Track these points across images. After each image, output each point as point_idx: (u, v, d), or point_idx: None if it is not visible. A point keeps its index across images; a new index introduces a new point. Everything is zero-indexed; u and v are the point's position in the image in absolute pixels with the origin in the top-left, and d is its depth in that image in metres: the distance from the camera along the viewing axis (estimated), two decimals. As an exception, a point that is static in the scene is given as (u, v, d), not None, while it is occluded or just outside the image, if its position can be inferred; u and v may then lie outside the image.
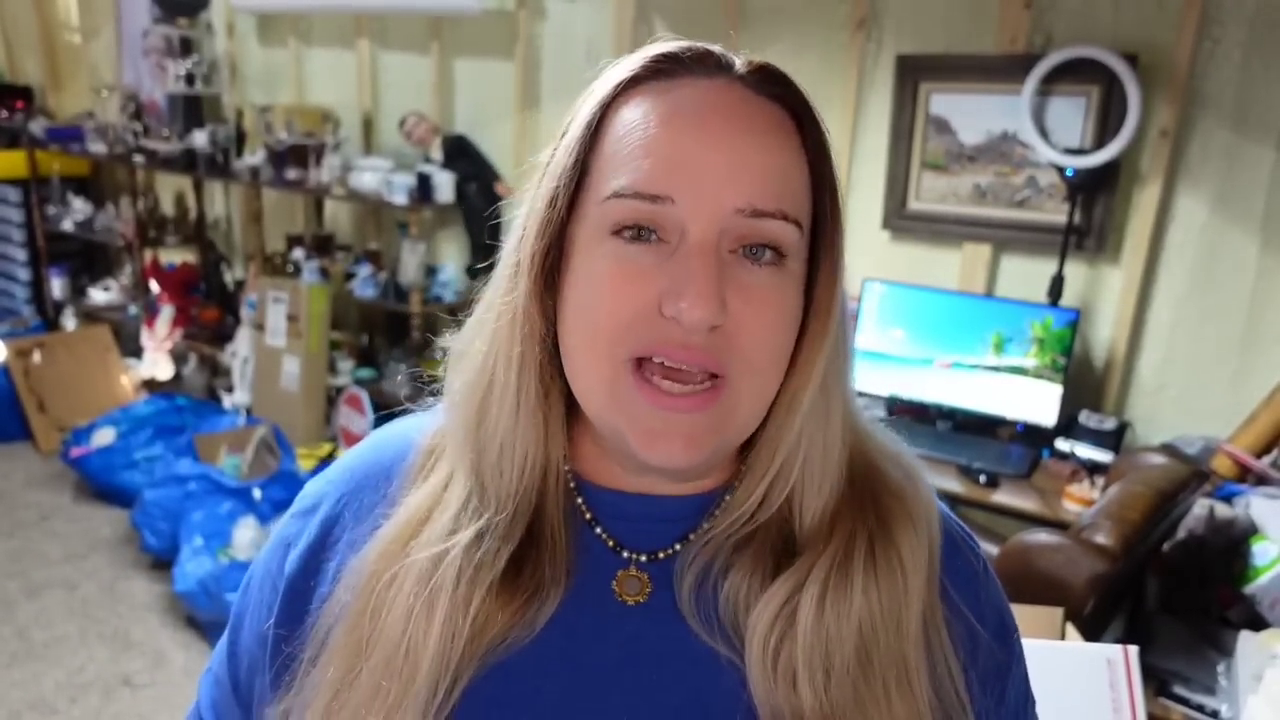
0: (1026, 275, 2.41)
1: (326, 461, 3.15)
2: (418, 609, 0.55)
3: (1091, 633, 1.36)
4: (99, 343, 4.06)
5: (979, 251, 2.47)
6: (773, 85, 0.55)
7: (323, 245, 3.67)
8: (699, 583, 0.57)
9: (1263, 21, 2.05)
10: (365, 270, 3.42)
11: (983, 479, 2.12)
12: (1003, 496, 2.09)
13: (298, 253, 3.60)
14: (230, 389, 3.70)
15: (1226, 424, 2.06)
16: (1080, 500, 2.00)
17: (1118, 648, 1.13)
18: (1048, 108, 2.28)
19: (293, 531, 0.65)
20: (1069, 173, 2.21)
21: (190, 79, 3.83)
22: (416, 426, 0.65)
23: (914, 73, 2.45)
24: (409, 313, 3.27)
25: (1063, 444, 2.23)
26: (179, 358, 4.04)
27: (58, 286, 4.47)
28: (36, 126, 4.42)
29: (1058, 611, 1.33)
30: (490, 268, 0.60)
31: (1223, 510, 1.69)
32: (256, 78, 4.02)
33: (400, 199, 3.15)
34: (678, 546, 0.59)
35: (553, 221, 0.55)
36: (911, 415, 2.46)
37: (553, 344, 0.56)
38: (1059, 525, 1.80)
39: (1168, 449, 2.00)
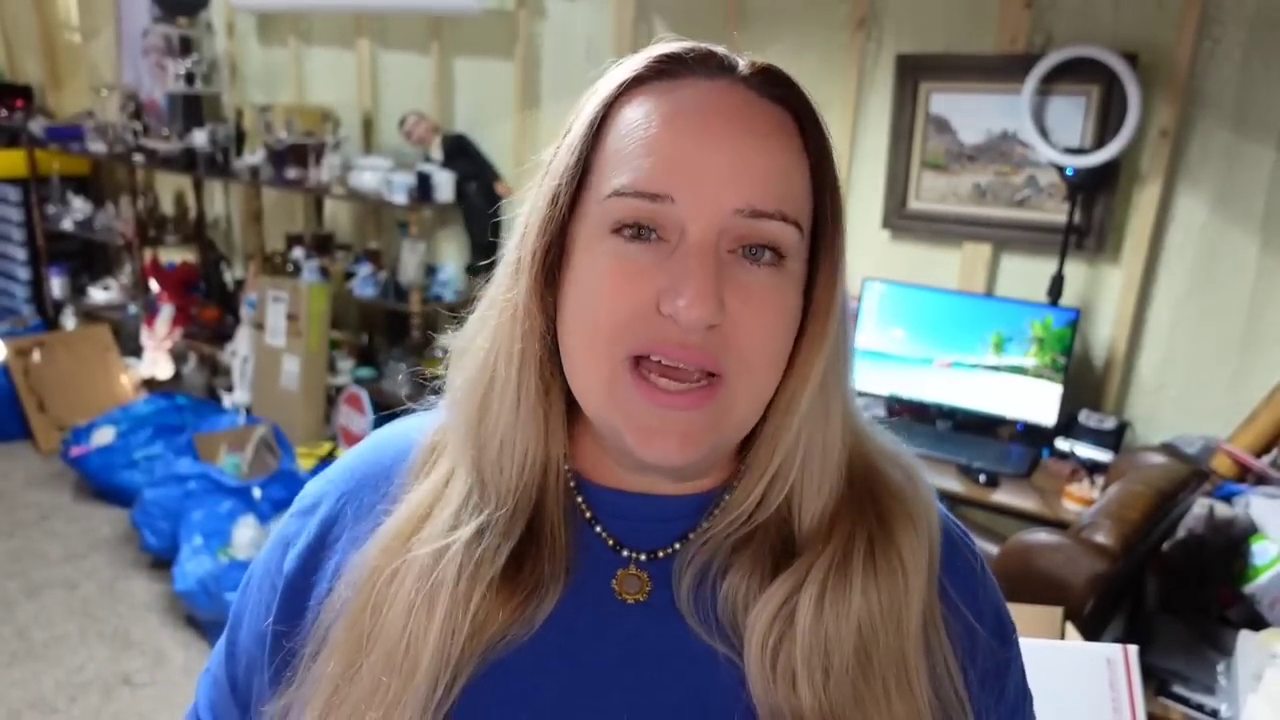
0: (1026, 275, 2.41)
1: (326, 461, 3.15)
2: (418, 605, 0.55)
3: (1091, 632, 1.36)
4: (99, 342, 4.06)
5: (979, 251, 2.47)
6: (775, 87, 0.55)
7: (323, 244, 3.67)
8: (698, 582, 0.57)
9: (1263, 21, 2.05)
10: (365, 269, 3.42)
11: (983, 478, 2.12)
12: (1003, 496, 2.09)
13: (297, 252, 3.60)
14: (230, 388, 3.70)
15: (1226, 424, 2.06)
16: (1080, 500, 2.00)
17: (1117, 647, 1.14)
18: (1048, 107, 2.28)
19: (292, 531, 0.65)
20: (1069, 172, 2.21)
21: (190, 78, 3.83)
22: (417, 425, 0.66)
23: (914, 72, 2.45)
24: (409, 312, 3.27)
25: (1063, 443, 2.23)
26: (179, 357, 4.04)
27: (57, 286, 4.47)
28: (36, 126, 4.42)
29: (1057, 611, 1.33)
30: (491, 266, 0.60)
31: (1222, 510, 1.69)
32: (256, 77, 4.02)
33: (400, 198, 3.15)
34: (677, 546, 0.59)
35: (554, 219, 0.55)
36: (911, 415, 2.47)
37: (553, 341, 0.57)
38: (1059, 525, 1.80)
39: (1168, 449, 2.00)
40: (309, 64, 3.83)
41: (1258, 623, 1.56)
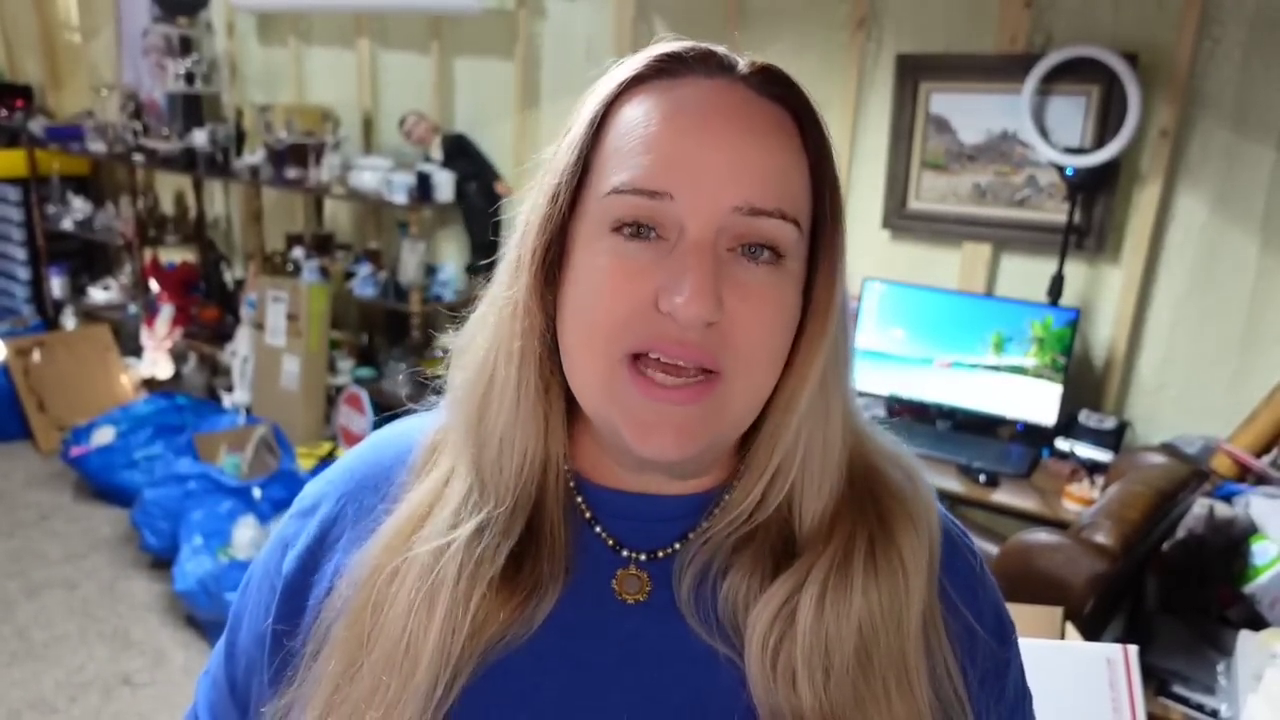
0: (1026, 275, 2.41)
1: (326, 461, 3.15)
2: (418, 604, 0.55)
3: (1091, 632, 1.36)
4: (99, 342, 4.06)
5: (979, 251, 2.47)
6: (775, 86, 0.55)
7: (322, 244, 3.67)
8: (698, 582, 0.57)
9: (1263, 21, 2.05)
10: (365, 269, 3.42)
11: (983, 478, 2.12)
12: (1002, 496, 2.09)
13: (297, 252, 3.60)
14: (230, 388, 3.70)
15: (1226, 424, 2.06)
16: (1080, 500, 2.00)
17: (1117, 647, 1.14)
18: (1048, 107, 2.28)
19: (291, 532, 0.65)
20: (1069, 172, 2.21)
21: (190, 78, 3.83)
22: (418, 426, 0.66)
23: (914, 72, 2.45)
24: (409, 312, 3.27)
25: (1063, 443, 2.23)
26: (179, 357, 4.04)
27: (57, 286, 4.47)
28: (36, 126, 4.42)
29: (1057, 611, 1.33)
30: (491, 266, 0.60)
31: (1222, 510, 1.69)
32: (256, 77, 4.02)
33: (400, 198, 3.15)
34: (677, 546, 0.59)
35: (554, 217, 0.55)
36: (911, 415, 2.47)
37: (553, 340, 0.57)
38: (1059, 525, 1.80)
39: (1168, 448, 2.00)
40: (309, 64, 3.83)
41: (1258, 623, 1.56)
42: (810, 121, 0.56)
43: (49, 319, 4.48)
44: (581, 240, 0.55)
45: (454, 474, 0.60)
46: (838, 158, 0.58)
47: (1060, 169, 2.23)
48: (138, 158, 3.95)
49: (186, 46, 3.83)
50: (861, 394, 0.63)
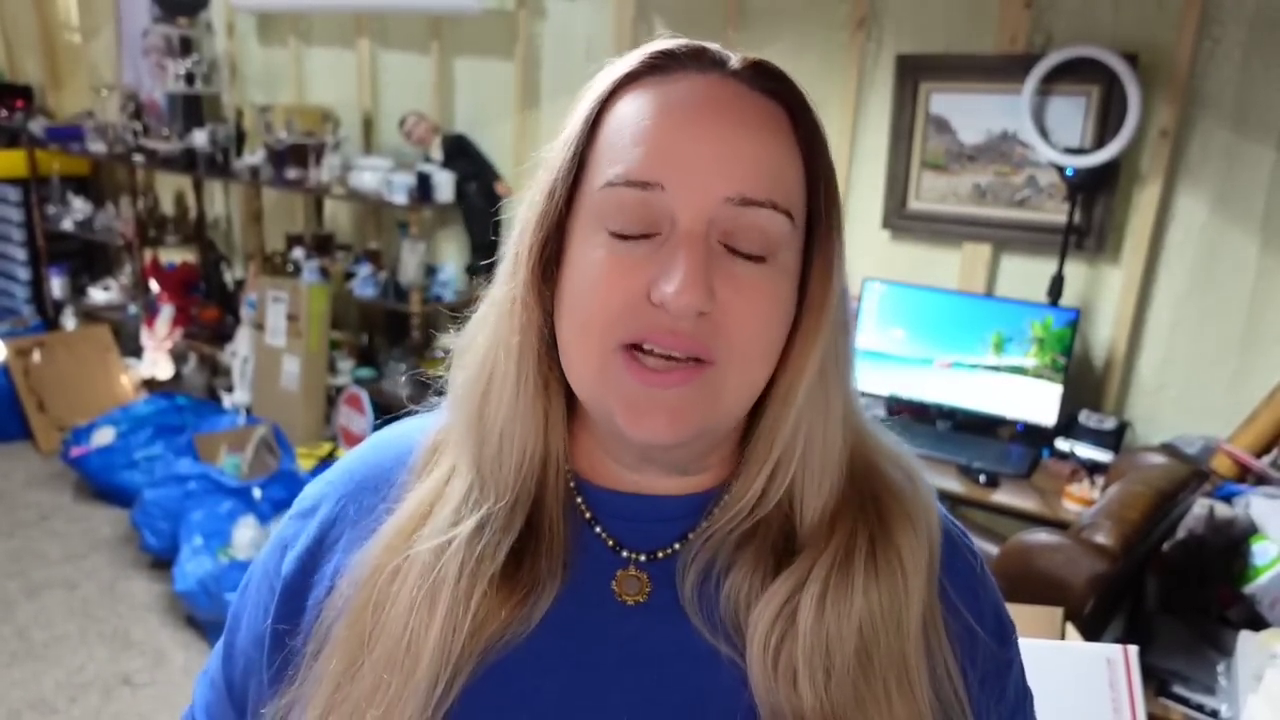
0: (1026, 275, 2.41)
1: (326, 461, 3.15)
2: (420, 602, 0.55)
3: (1091, 632, 1.36)
4: (99, 342, 4.06)
5: (979, 251, 2.47)
6: (767, 80, 0.56)
7: (323, 245, 3.67)
8: (701, 580, 0.57)
9: (1263, 21, 2.05)
10: (365, 270, 3.42)
11: (983, 479, 2.12)
12: (1003, 496, 2.09)
13: (298, 252, 3.60)
14: (230, 388, 3.70)
15: (1226, 424, 2.06)
16: (1080, 500, 2.00)
17: (1117, 647, 1.14)
18: (1048, 107, 2.28)
19: (291, 533, 0.65)
20: (1069, 172, 2.21)
21: (190, 78, 3.83)
22: (418, 426, 0.66)
23: (914, 72, 2.45)
24: (409, 312, 3.27)
25: (1063, 444, 2.23)
26: (179, 357, 4.04)
27: (57, 286, 4.47)
28: (36, 126, 4.42)
29: (1057, 611, 1.33)
30: (491, 267, 0.61)
31: (1223, 510, 1.69)
32: (256, 77, 4.02)
33: (400, 198, 3.15)
34: (677, 546, 0.59)
35: (550, 214, 0.56)
36: (911, 415, 2.46)
37: (551, 336, 0.57)
38: (1059, 525, 1.80)
39: (1168, 449, 2.00)
40: (309, 64, 3.83)
41: (1258, 623, 1.56)
42: (804, 116, 0.56)
43: (49, 319, 4.48)
44: (577, 236, 0.55)
45: (455, 473, 0.60)
46: (838, 158, 0.58)
47: (1060, 169, 2.23)
48: (138, 158, 3.95)
49: (186, 47, 3.83)
50: (862, 394, 0.63)
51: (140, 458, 3.37)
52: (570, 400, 0.60)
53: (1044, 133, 2.27)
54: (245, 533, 2.71)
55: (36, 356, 3.87)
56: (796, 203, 0.55)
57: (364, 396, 3.28)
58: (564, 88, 3.12)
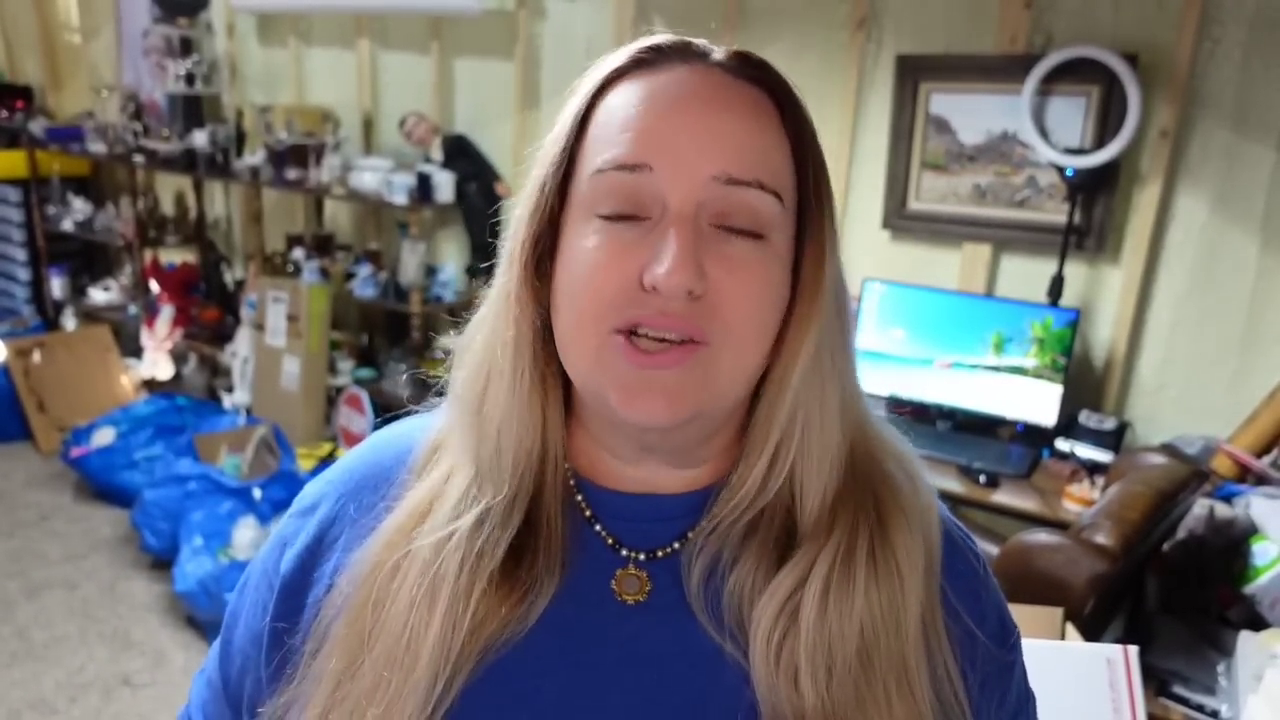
0: (1026, 275, 2.41)
1: (326, 461, 3.15)
2: (419, 599, 0.55)
3: (1091, 633, 1.36)
4: (99, 343, 4.06)
5: (979, 251, 2.47)
6: (751, 69, 0.57)
7: (323, 245, 3.67)
8: (706, 576, 0.57)
9: (1263, 21, 2.05)
10: (365, 270, 3.42)
11: (983, 479, 2.12)
12: (1003, 496, 2.09)
13: (298, 252, 3.60)
14: (230, 389, 3.70)
15: (1226, 424, 2.06)
16: (1080, 500, 2.00)
17: (1118, 648, 1.13)
18: (1048, 108, 2.28)
19: (290, 531, 0.66)
20: (1069, 173, 2.21)
21: (190, 79, 3.83)
22: (419, 426, 0.66)
23: (914, 73, 2.45)
24: (409, 313, 3.27)
25: (1063, 444, 2.23)
26: (179, 358, 4.04)
27: (58, 286, 4.47)
28: (36, 126, 4.42)
29: (1058, 611, 1.33)
30: (491, 268, 0.61)
31: (1223, 510, 1.69)
32: (256, 78, 4.02)
33: (400, 199, 3.15)
34: (677, 545, 0.59)
35: (542, 207, 0.56)
36: (911, 415, 2.46)
37: (547, 331, 0.57)
38: (1059, 525, 1.80)
39: (1168, 449, 2.00)
40: (309, 64, 3.83)
41: (1258, 623, 1.56)
42: (790, 104, 0.57)
43: (49, 320, 4.48)
44: (570, 228, 0.56)
45: (454, 471, 0.60)
46: (838, 158, 0.59)
47: (1060, 169, 2.23)
48: (138, 158, 3.95)
49: (187, 47, 3.83)
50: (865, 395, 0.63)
51: (140, 458, 3.37)
52: (569, 398, 0.60)
53: (1044, 133, 2.27)
54: (245, 533, 2.71)
55: (36, 357, 3.87)
56: (785, 185, 0.55)
57: (364, 397, 3.28)
58: (564, 88, 3.07)
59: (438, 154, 3.27)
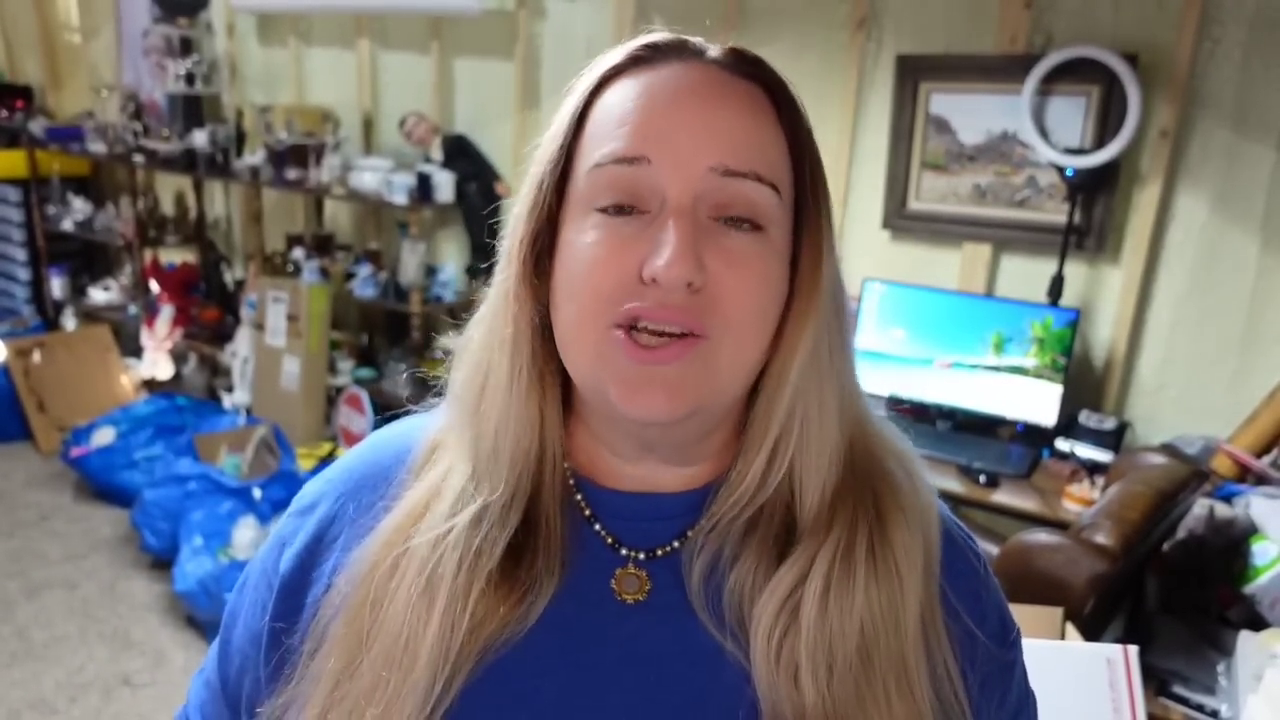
0: (1026, 275, 2.41)
1: (326, 461, 3.15)
2: (417, 599, 0.55)
3: (1091, 633, 1.36)
4: (99, 342, 4.06)
5: (979, 251, 2.47)
6: (746, 66, 0.57)
7: (323, 245, 3.67)
8: (707, 574, 0.57)
9: (1263, 21, 2.05)
10: (365, 270, 3.42)
11: (983, 479, 2.12)
12: (1003, 496, 2.09)
13: (298, 252, 3.60)
14: (230, 389, 3.70)
15: (1226, 424, 2.06)
16: (1080, 500, 2.00)
17: (1118, 647, 1.14)
18: (1048, 108, 2.28)
19: (289, 530, 0.66)
20: (1069, 173, 2.21)
21: (190, 79, 3.83)
22: (418, 425, 0.66)
23: (914, 73, 2.45)
24: (409, 312, 3.27)
25: (1063, 444, 2.23)
26: (179, 357, 4.04)
27: (58, 286, 4.47)
28: (36, 126, 4.42)
29: (1058, 611, 1.33)
30: (491, 267, 0.61)
31: (1223, 510, 1.69)
32: (256, 78, 4.02)
33: (400, 199, 3.15)
34: (676, 544, 0.59)
35: (540, 204, 0.57)
36: (911, 415, 2.46)
37: (546, 329, 0.57)
38: (1059, 525, 1.80)
39: (1168, 449, 2.00)
40: (309, 64, 3.83)
41: (1258, 623, 1.56)
42: (785, 100, 0.57)
43: (49, 319, 4.48)
44: (568, 224, 0.56)
45: (452, 469, 0.60)
46: (838, 158, 0.59)
47: (1060, 169, 2.23)
48: (138, 158, 3.95)
49: (186, 47, 3.83)
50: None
51: (140, 458, 3.37)
52: (567, 397, 0.60)
53: (1044, 133, 2.27)
54: (245, 533, 2.71)
55: (36, 357, 3.87)
56: (782, 179, 0.56)
57: (364, 397, 3.28)
58: (564, 88, 3.08)
59: (438, 154, 3.27)
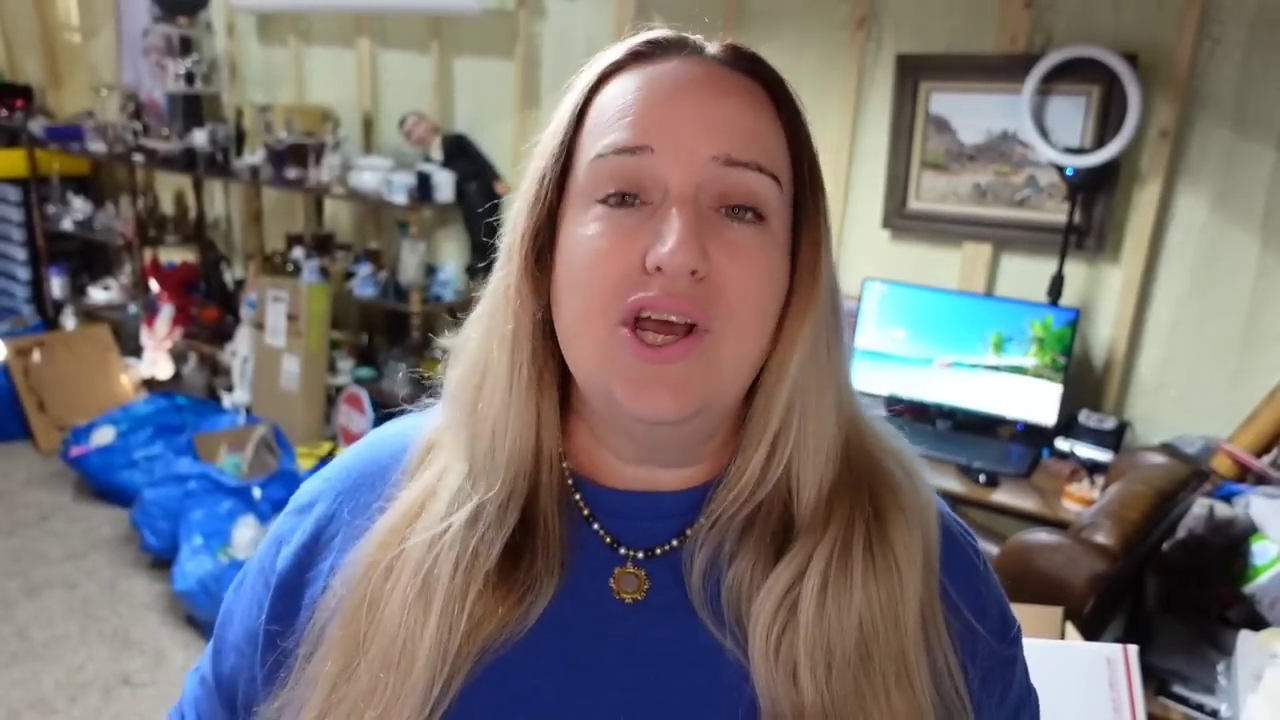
0: (1026, 275, 2.41)
1: (326, 461, 3.14)
2: (413, 600, 0.55)
3: (1091, 632, 1.36)
4: (99, 342, 4.06)
5: (979, 251, 2.47)
6: (745, 61, 0.57)
7: (323, 244, 3.67)
8: (705, 572, 0.57)
9: (1263, 21, 2.05)
10: (365, 269, 3.42)
11: (983, 478, 2.12)
12: (1003, 496, 2.09)
13: (298, 252, 3.60)
14: (230, 388, 3.70)
15: (1226, 423, 2.06)
16: (1080, 500, 2.00)
17: (1117, 647, 1.13)
18: (1048, 107, 2.28)
19: (287, 529, 0.65)
20: (1069, 172, 2.21)
21: (190, 78, 3.83)
22: (415, 424, 0.66)
23: (914, 72, 2.45)
24: (409, 312, 3.27)
25: (1063, 443, 2.23)
26: (179, 357, 4.04)
27: (57, 286, 4.47)
28: (36, 126, 4.42)
29: (1057, 611, 1.33)
30: (490, 267, 0.61)
31: (1222, 510, 1.69)
32: (256, 77, 4.02)
33: (400, 198, 3.15)
34: (675, 543, 0.59)
35: (541, 200, 0.57)
36: (911, 415, 2.46)
37: (546, 327, 0.57)
38: (1059, 525, 1.80)
39: (1168, 448, 2.00)
40: (309, 64, 3.83)
41: (1258, 623, 1.56)
42: (783, 96, 0.57)
43: (49, 319, 4.48)
44: (570, 218, 0.56)
45: (448, 469, 0.60)
46: (838, 158, 0.59)
47: (1060, 169, 2.23)
48: (138, 158, 3.95)
49: (186, 46, 3.83)
50: (862, 394, 0.63)
51: (140, 457, 3.37)
52: (565, 397, 0.60)
53: (1044, 133, 2.27)
54: (245, 532, 2.71)
55: (36, 356, 3.87)
56: (782, 171, 0.56)
57: (364, 396, 3.28)
58: (563, 87, 3.12)
59: (438, 153, 3.27)
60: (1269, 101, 2.08)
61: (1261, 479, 1.87)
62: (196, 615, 2.68)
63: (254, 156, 3.62)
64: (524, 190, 0.58)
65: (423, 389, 0.66)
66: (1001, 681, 0.62)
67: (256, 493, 2.88)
